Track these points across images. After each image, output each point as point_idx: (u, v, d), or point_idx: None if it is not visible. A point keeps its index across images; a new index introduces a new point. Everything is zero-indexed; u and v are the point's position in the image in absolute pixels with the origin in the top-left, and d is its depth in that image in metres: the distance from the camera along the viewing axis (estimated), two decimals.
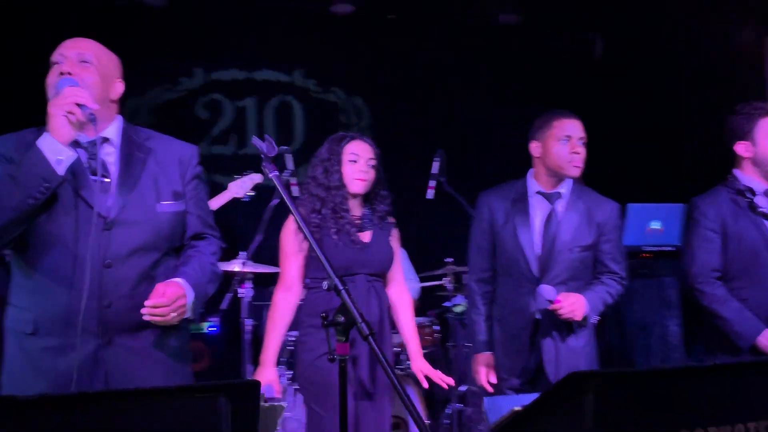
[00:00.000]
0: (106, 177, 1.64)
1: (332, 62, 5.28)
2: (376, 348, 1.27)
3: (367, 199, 2.37)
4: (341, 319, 1.30)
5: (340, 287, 1.40)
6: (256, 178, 3.88)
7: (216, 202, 3.90)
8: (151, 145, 1.77)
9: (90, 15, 4.65)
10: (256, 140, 1.62)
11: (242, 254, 3.61)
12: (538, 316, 2.28)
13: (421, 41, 5.21)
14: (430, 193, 3.78)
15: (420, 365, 2.34)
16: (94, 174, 1.62)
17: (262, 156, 1.60)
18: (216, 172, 5.14)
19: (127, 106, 5.14)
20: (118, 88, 1.78)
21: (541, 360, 2.26)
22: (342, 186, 2.28)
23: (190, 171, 1.80)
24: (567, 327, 2.25)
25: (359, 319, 1.30)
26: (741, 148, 2.39)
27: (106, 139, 1.71)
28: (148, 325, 1.58)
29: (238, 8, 4.93)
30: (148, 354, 1.63)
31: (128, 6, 4.81)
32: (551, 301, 2.16)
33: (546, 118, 2.37)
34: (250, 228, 3.96)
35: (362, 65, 5.28)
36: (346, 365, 1.43)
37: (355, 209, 2.34)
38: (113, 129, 1.75)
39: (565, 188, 2.39)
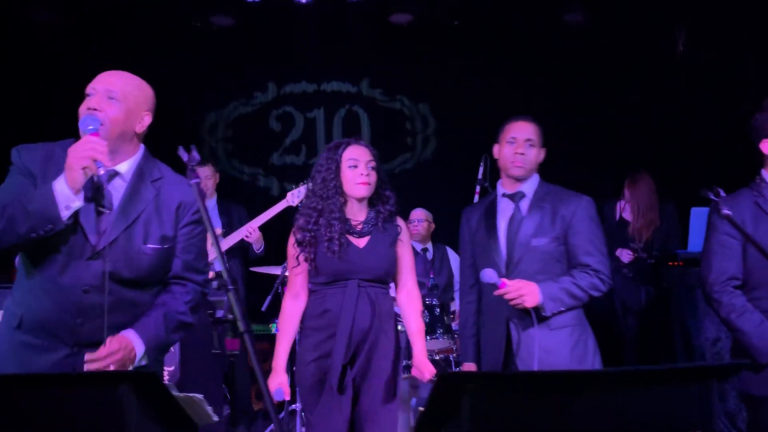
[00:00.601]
0: (108, 209, 1.78)
1: (397, 71, 5.40)
2: (249, 345, 1.36)
3: (372, 201, 2.41)
4: (229, 316, 1.40)
5: (229, 287, 1.47)
6: (300, 191, 4.05)
7: (273, 211, 4.16)
8: (158, 187, 1.88)
9: (169, 36, 5.07)
10: (181, 151, 1.74)
11: None
12: (512, 321, 2.28)
13: (482, 46, 5.21)
14: (476, 198, 3.81)
15: (418, 362, 2.37)
16: (99, 204, 1.76)
17: (187, 165, 1.71)
18: (286, 180, 5.41)
19: (206, 120, 5.57)
20: (145, 121, 1.89)
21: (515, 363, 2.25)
22: (340, 193, 2.34)
23: (186, 218, 1.90)
24: (540, 328, 2.20)
25: (239, 317, 1.38)
26: (767, 146, 2.24)
27: (116, 173, 1.84)
28: None
29: (304, 24, 5.15)
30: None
31: (203, 27, 5.17)
32: (496, 286, 2.18)
33: (504, 123, 2.43)
34: None
35: (426, 73, 5.36)
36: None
37: (360, 214, 2.38)
38: (128, 164, 1.87)
39: (528, 188, 2.39)
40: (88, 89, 1.84)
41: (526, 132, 2.37)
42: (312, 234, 2.30)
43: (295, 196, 4.10)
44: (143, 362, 1.78)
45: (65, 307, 1.72)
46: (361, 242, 2.35)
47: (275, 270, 3.84)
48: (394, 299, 2.52)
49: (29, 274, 1.78)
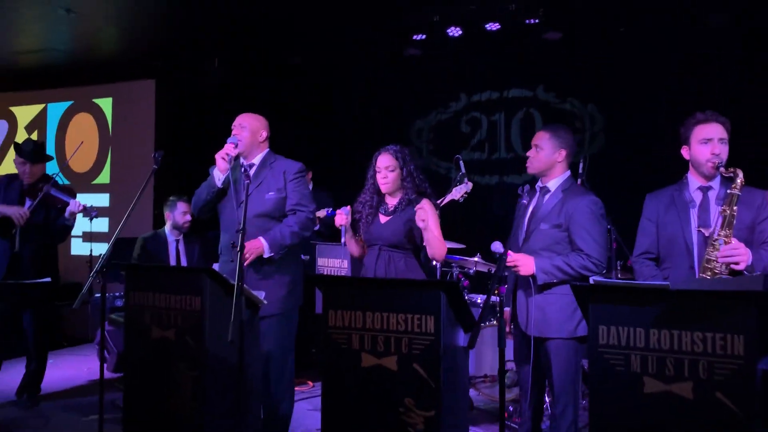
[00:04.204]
0: (249, 181, 3.33)
1: (567, 77, 6.20)
2: (239, 264, 2.71)
3: (397, 192, 3.38)
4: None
5: (236, 247, 2.80)
6: (469, 186, 5.15)
7: (444, 200, 5.37)
8: (273, 164, 3.46)
9: (384, 66, 6.68)
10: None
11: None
12: (519, 285, 3.09)
13: (645, 48, 5.73)
14: (455, 191, 4.58)
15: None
16: (246, 177, 3.31)
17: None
18: (473, 173, 6.61)
19: (414, 126, 7.07)
20: (263, 135, 3.50)
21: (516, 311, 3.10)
22: (377, 189, 3.41)
23: (290, 176, 3.42)
24: (536, 292, 2.97)
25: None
26: (684, 152, 2.87)
27: (252, 165, 3.45)
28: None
29: (489, 45, 6.27)
30: (261, 268, 3.33)
31: (415, 55, 6.63)
32: (503, 255, 2.89)
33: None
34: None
35: (594, 77, 6.06)
36: None
37: (391, 201, 3.41)
38: (258, 158, 3.49)
39: (553, 184, 3.12)
40: (233, 124, 3.49)
41: (536, 137, 3.19)
42: (359, 210, 3.44)
43: (457, 191, 5.25)
44: (270, 254, 3.30)
45: (231, 232, 3.34)
46: (384, 219, 3.35)
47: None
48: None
49: (220, 222, 3.48)
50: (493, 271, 4.18)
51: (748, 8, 5.14)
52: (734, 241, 2.66)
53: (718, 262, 2.66)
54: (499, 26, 5.74)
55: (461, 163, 4.96)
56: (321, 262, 5.33)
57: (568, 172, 3.18)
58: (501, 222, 4.91)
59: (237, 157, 3.43)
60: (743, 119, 5.25)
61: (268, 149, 3.55)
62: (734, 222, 2.69)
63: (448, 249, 4.83)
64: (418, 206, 3.16)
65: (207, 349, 2.86)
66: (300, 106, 7.15)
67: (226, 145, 3.34)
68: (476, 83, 6.71)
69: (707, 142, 2.83)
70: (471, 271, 5.11)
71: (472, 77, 6.65)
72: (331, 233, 5.48)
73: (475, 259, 4.94)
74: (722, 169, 2.78)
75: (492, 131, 6.66)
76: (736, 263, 2.62)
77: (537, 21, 5.42)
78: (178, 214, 5.01)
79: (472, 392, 4.39)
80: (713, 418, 2.08)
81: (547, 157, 3.11)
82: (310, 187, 5.88)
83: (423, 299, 2.48)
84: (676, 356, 2.15)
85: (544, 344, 3.04)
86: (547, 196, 3.13)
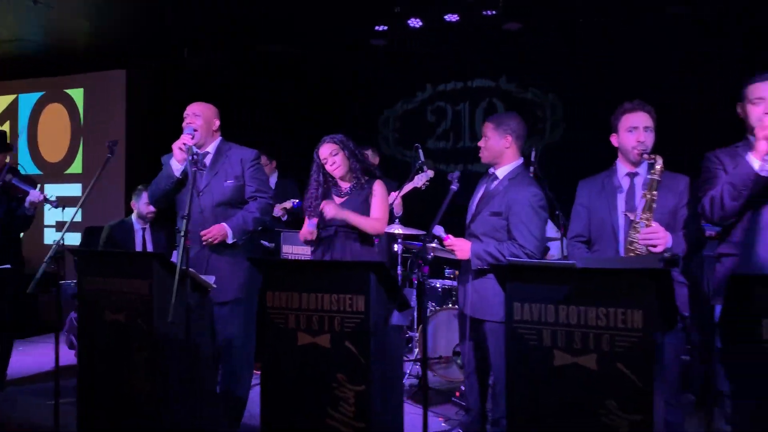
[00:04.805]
0: (203, 170, 3.45)
1: (528, 68, 6.34)
2: (182, 247, 2.83)
3: (348, 174, 3.57)
4: None
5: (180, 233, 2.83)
6: (430, 174, 5.29)
7: (406, 188, 5.52)
8: (228, 153, 3.55)
9: (351, 58, 6.79)
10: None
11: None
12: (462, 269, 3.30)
13: (604, 38, 5.88)
14: (419, 179, 4.85)
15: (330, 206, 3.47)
16: (202, 168, 3.44)
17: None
18: (438, 161, 6.75)
19: (381, 116, 7.19)
20: (216, 124, 3.58)
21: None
22: (324, 180, 3.62)
23: (247, 164, 3.52)
24: (475, 276, 3.14)
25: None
26: (613, 139, 3.02)
27: (207, 153, 3.54)
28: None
29: (447, 33, 6.40)
30: (221, 254, 3.45)
31: (381, 46, 6.75)
32: (441, 238, 3.15)
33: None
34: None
35: (554, 67, 6.20)
36: None
37: (344, 184, 3.60)
38: (212, 147, 3.58)
39: (502, 172, 3.25)
40: (185, 113, 3.55)
41: (483, 128, 3.33)
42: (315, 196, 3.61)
43: (420, 180, 5.39)
44: (234, 239, 3.41)
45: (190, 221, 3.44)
46: (340, 201, 3.55)
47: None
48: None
49: (177, 211, 3.58)
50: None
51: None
52: (655, 224, 2.81)
53: (639, 244, 2.81)
54: (459, 18, 5.86)
55: (420, 151, 5.12)
56: (286, 249, 5.45)
57: (520, 160, 3.29)
58: (463, 209, 5.09)
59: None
60: (695, 106, 5.45)
61: (221, 137, 3.66)
62: (655, 206, 2.84)
63: (410, 235, 5.00)
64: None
65: (157, 331, 2.98)
66: (267, 95, 7.25)
67: (183, 135, 3.45)
68: (441, 73, 6.84)
69: (633, 130, 2.97)
70: (429, 256, 5.25)
71: (437, 67, 6.78)
72: (297, 222, 5.62)
73: (433, 245, 5.08)
74: (645, 156, 2.92)
75: (456, 120, 6.80)
76: (654, 245, 2.77)
77: (495, 13, 5.54)
78: (142, 204, 5.11)
79: (428, 373, 4.55)
80: (615, 387, 2.23)
81: (494, 145, 3.23)
82: (276, 176, 6.02)
83: (353, 280, 2.61)
84: (583, 330, 2.30)
85: (482, 326, 3.18)
86: (494, 184, 3.26)
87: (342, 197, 3.61)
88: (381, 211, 3.56)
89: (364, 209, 3.54)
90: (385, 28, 6.23)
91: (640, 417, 2.20)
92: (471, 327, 3.22)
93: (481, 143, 3.31)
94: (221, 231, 3.40)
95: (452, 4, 5.62)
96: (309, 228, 3.57)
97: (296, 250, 5.56)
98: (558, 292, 2.33)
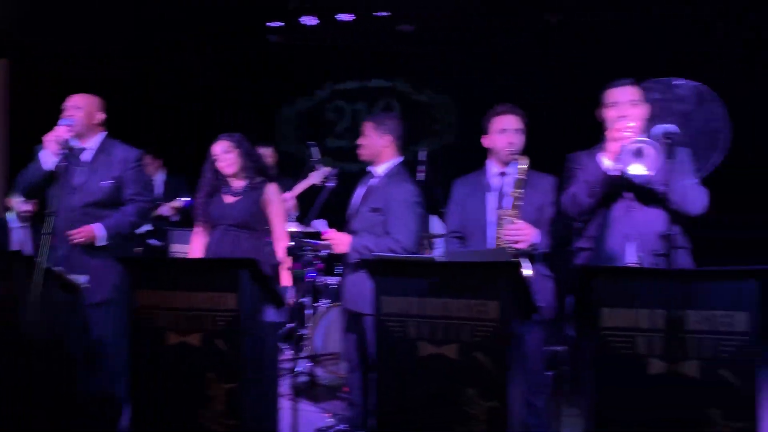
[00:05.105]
0: (78, 166, 3.32)
1: (423, 69, 6.50)
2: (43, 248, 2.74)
3: (240, 173, 3.53)
4: None
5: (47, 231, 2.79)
6: (326, 171, 5.27)
7: (301, 186, 5.49)
8: (111, 151, 3.42)
9: (255, 57, 6.70)
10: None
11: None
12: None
13: (493, 40, 6.10)
14: (420, 176, 4.88)
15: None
16: (76, 163, 3.31)
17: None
18: (340, 160, 6.79)
19: (282, 114, 7.14)
20: (98, 117, 3.44)
21: None
22: (216, 176, 3.54)
23: (129, 165, 3.40)
24: (353, 269, 3.18)
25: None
26: (484, 140, 3.16)
27: (84, 149, 3.40)
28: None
29: (355, 32, 6.44)
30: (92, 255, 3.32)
31: (278, 42, 6.71)
32: (320, 233, 3.22)
33: None
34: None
35: (447, 69, 6.38)
36: None
37: (236, 183, 3.54)
38: (93, 141, 3.43)
39: (381, 169, 3.30)
40: (64, 105, 3.38)
41: (363, 128, 3.37)
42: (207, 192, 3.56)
43: (317, 177, 5.34)
44: (106, 242, 3.30)
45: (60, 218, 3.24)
46: (230, 199, 3.49)
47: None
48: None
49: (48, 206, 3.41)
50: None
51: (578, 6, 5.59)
52: (520, 221, 2.95)
53: (505, 240, 2.95)
54: (353, 17, 5.93)
55: (314, 149, 5.13)
56: (175, 248, 5.33)
57: (400, 159, 3.35)
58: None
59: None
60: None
61: (105, 133, 3.51)
62: (521, 204, 2.98)
63: (308, 233, 4.99)
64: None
65: (23, 331, 2.84)
66: (159, 91, 7.03)
67: (58, 127, 3.28)
68: (339, 72, 6.88)
69: (504, 132, 3.11)
70: (325, 254, 5.28)
71: (335, 66, 6.82)
72: (188, 222, 5.50)
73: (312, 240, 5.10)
74: (512, 156, 3.07)
75: (356, 120, 6.86)
76: (520, 241, 2.92)
77: (389, 14, 5.64)
78: (17, 201, 4.85)
79: (318, 370, 4.58)
80: (474, 376, 2.34)
81: (373, 143, 3.29)
82: (164, 174, 5.87)
83: (225, 277, 2.59)
84: (445, 321, 2.39)
85: (361, 319, 3.24)
86: (373, 181, 3.33)
87: (234, 197, 3.55)
88: (281, 217, 3.56)
89: (256, 210, 3.49)
90: (281, 24, 6.20)
91: (497, 404, 2.31)
92: (351, 321, 3.27)
93: (360, 141, 3.37)
94: (90, 233, 3.28)
95: (345, 4, 5.67)
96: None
97: (187, 248, 5.45)
98: (422, 285, 2.41)
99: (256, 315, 2.66)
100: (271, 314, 2.80)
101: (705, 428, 2.07)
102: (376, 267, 2.49)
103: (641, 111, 2.76)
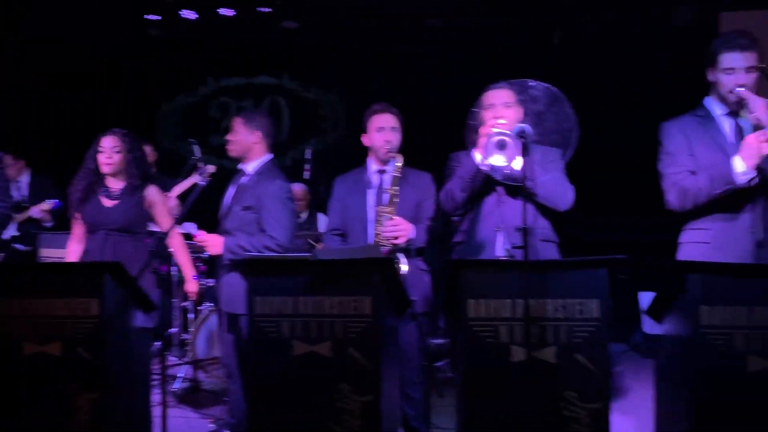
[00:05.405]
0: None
1: (310, 66, 6.46)
2: None
3: (120, 175, 3.35)
4: None
5: None
6: (210, 169, 5.11)
7: (182, 186, 5.30)
8: None
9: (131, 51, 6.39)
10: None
11: None
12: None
13: (380, 36, 6.16)
14: (306, 174, 4.87)
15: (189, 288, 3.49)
16: None
17: None
18: (222, 157, 6.61)
19: (160, 109, 6.86)
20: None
21: None
22: (97, 170, 3.34)
23: None
24: (226, 269, 3.13)
25: None
26: (364, 139, 3.20)
27: None
28: None
29: (238, 27, 6.28)
30: None
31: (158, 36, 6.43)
32: (191, 236, 3.16)
33: None
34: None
35: (334, 66, 6.38)
36: None
37: (114, 185, 3.36)
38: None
39: (251, 167, 3.24)
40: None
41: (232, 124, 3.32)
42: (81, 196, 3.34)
43: (197, 176, 5.14)
44: None
45: None
46: (108, 203, 3.31)
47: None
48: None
49: None
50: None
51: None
52: (397, 218, 3.00)
53: (383, 236, 2.99)
54: (234, 13, 5.80)
55: (196, 147, 4.97)
56: (45, 252, 5.00)
57: (269, 156, 3.31)
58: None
59: None
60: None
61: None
62: (397, 201, 3.03)
63: (187, 234, 4.82)
64: None
65: None
66: (30, 87, 6.54)
67: None
68: (223, 68, 6.71)
69: (381, 130, 3.15)
70: (206, 255, 5.13)
71: (219, 62, 6.64)
72: (61, 225, 5.17)
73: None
74: (390, 154, 3.11)
75: None
76: (397, 237, 2.97)
77: (271, 10, 5.57)
78: None
79: (201, 375, 4.44)
80: (348, 371, 2.35)
81: (243, 140, 3.25)
82: (29, 175, 5.50)
83: (87, 282, 2.45)
84: (319, 319, 2.39)
85: (238, 320, 3.17)
86: (243, 179, 3.27)
87: (112, 200, 3.35)
88: (168, 216, 3.44)
89: (136, 213, 3.35)
90: (159, 18, 5.97)
91: (370, 398, 2.33)
92: (228, 323, 3.19)
93: (229, 137, 3.30)
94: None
95: None
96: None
97: (58, 253, 5.12)
98: (295, 283, 2.39)
99: (123, 320, 2.54)
100: (140, 319, 2.69)
101: (563, 412, 2.19)
102: (249, 267, 2.45)
103: (515, 112, 2.88)
